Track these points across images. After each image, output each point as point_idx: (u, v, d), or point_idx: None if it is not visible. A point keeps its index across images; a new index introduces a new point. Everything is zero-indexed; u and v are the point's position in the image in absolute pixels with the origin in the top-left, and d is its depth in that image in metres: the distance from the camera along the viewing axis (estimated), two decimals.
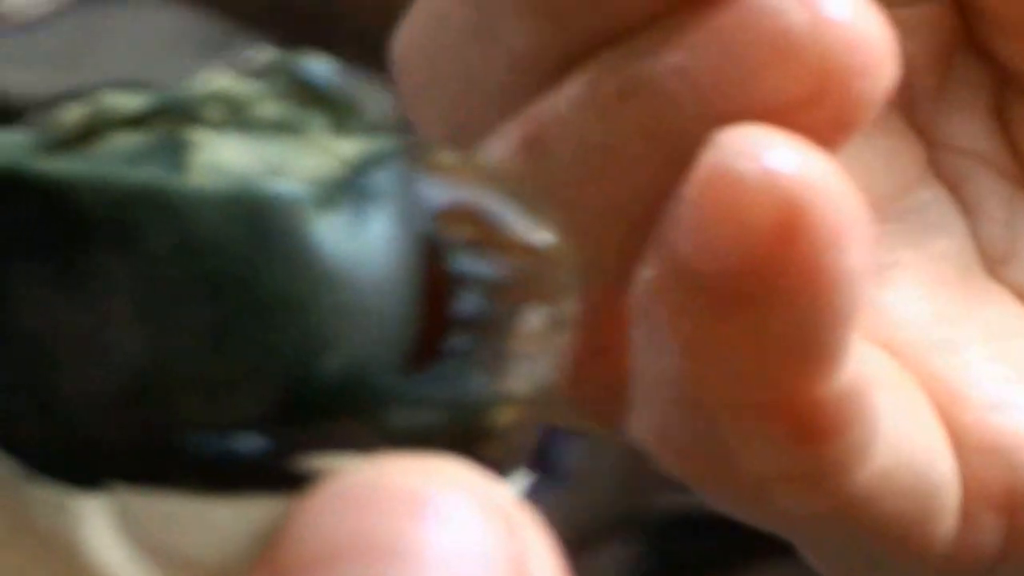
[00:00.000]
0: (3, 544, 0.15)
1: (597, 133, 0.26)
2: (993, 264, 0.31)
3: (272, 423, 0.14)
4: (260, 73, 0.16)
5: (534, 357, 0.16)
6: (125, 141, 0.15)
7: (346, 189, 0.15)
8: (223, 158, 0.15)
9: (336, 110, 0.16)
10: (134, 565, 0.14)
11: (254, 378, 0.14)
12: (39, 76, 0.64)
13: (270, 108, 0.15)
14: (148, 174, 0.15)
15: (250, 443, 0.14)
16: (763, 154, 0.24)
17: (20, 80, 0.63)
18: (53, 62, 0.65)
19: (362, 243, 0.15)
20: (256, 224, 0.14)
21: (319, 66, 0.16)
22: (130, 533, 0.14)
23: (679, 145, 0.24)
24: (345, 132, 0.16)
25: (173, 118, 0.15)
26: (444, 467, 0.14)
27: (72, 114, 0.15)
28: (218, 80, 0.16)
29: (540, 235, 0.16)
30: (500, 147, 0.26)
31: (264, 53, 0.16)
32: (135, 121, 0.15)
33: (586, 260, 0.17)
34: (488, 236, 0.15)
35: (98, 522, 0.14)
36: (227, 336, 0.14)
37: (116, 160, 0.15)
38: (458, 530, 0.14)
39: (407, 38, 0.29)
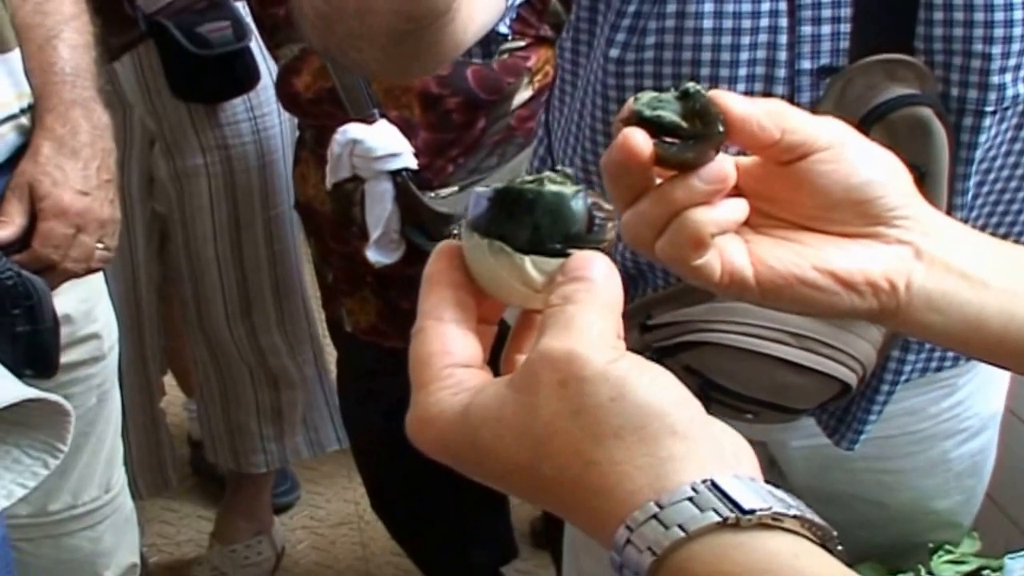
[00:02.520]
0: (496, 268, 0.71)
1: None
2: None
3: (563, 244, 0.71)
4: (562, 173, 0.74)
5: (612, 230, 0.72)
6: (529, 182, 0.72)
7: (576, 194, 0.71)
8: (552, 186, 0.72)
9: (571, 180, 0.73)
10: (534, 271, 0.71)
11: (561, 233, 0.71)
12: None
13: (559, 179, 0.72)
14: (539, 188, 0.71)
15: (559, 251, 0.71)
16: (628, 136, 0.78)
17: None
18: None
19: (579, 207, 0.71)
20: (562, 201, 0.71)
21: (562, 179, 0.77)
22: (535, 266, 0.71)
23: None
24: (572, 181, 0.72)
25: (540, 181, 0.72)
26: (599, 255, 0.70)
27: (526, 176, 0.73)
28: (552, 176, 0.73)
29: (609, 206, 0.73)
30: None
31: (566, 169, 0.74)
32: (533, 180, 0.72)
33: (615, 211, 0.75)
34: (600, 206, 0.72)
35: (527, 263, 0.71)
36: (555, 223, 0.71)
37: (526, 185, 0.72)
38: (602, 264, 0.70)
39: None
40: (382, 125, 2.27)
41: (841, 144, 0.82)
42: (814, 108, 1.31)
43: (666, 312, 1.41)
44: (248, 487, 3.14)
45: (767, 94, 1.31)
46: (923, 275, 0.84)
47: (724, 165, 0.79)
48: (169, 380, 3.31)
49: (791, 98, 1.32)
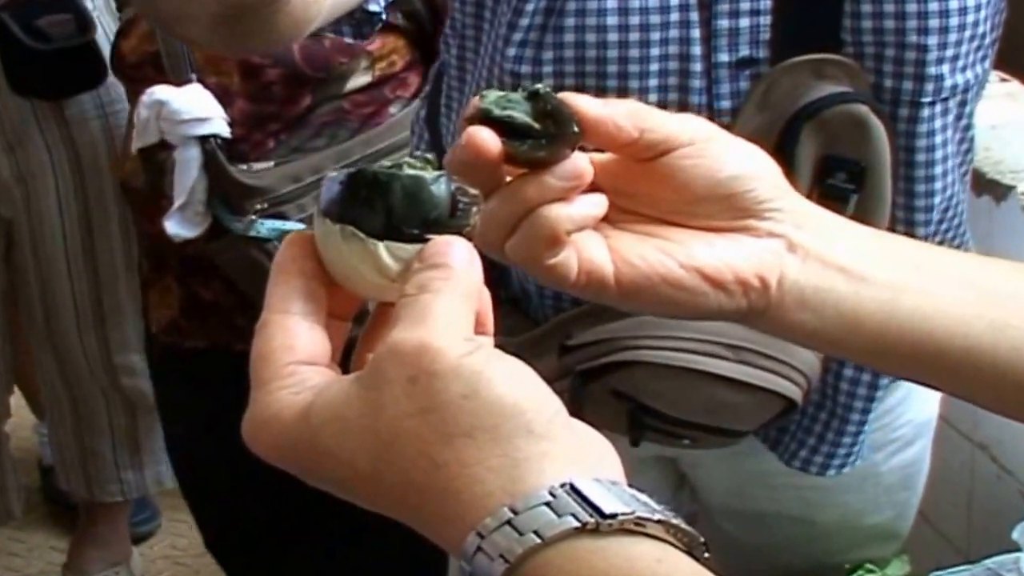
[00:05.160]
0: (348, 256, 0.65)
1: None
2: None
3: (422, 229, 0.59)
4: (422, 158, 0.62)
5: (477, 215, 0.61)
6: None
7: (437, 179, 0.59)
8: (411, 171, 0.60)
9: (432, 165, 0.61)
10: (389, 258, 0.64)
11: (419, 218, 0.60)
12: None
13: (419, 164, 0.61)
14: (395, 172, 0.61)
15: (417, 236, 0.59)
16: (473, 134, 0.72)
17: None
18: None
19: (440, 191, 0.60)
20: (420, 185, 0.61)
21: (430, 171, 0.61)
22: (389, 252, 0.59)
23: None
24: (433, 167, 0.60)
25: (399, 165, 0.61)
26: (460, 239, 0.58)
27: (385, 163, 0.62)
28: (412, 161, 0.61)
29: (474, 191, 0.60)
30: None
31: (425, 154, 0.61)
32: (392, 166, 0.61)
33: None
34: (465, 191, 0.60)
35: (381, 249, 0.64)
36: (412, 207, 0.63)
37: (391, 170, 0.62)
38: (462, 249, 0.58)
39: None
40: (193, 88, 2.12)
41: (706, 140, 0.80)
42: (735, 107, 1.28)
43: (587, 329, 1.32)
44: (103, 516, 2.98)
45: (683, 89, 1.28)
46: (796, 269, 0.81)
47: (580, 161, 0.76)
48: (19, 401, 3.12)
49: (709, 91, 1.29)
